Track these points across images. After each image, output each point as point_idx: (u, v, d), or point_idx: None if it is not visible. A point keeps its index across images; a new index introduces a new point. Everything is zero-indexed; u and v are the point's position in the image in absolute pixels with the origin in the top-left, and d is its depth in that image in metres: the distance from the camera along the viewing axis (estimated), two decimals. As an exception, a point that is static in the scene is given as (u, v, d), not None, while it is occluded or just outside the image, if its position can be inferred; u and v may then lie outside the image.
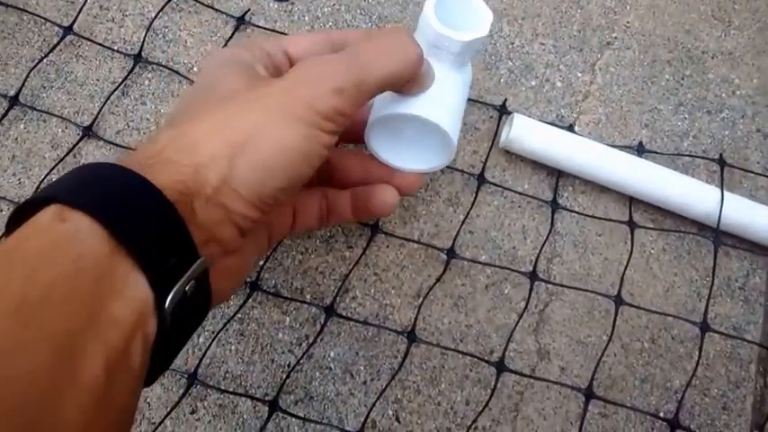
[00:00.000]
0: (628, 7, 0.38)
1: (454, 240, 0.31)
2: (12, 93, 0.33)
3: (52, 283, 0.16)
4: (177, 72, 0.34)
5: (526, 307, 0.30)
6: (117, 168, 0.18)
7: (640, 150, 0.33)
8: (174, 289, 0.17)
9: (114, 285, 0.16)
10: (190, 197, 0.18)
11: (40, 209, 0.17)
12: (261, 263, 0.30)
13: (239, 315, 0.29)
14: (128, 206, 0.17)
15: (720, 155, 0.33)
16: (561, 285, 0.30)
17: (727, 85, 0.36)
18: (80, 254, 0.16)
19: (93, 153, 0.32)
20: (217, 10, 0.35)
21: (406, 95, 0.24)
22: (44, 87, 0.33)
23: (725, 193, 0.31)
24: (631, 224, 0.32)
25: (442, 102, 0.24)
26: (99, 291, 0.16)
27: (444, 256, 0.31)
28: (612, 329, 0.29)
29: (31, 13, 0.35)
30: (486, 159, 0.33)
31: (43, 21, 0.34)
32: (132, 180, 0.18)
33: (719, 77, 0.36)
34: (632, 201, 0.32)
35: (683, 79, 0.36)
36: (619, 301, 0.30)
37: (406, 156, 0.26)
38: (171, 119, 0.22)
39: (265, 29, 0.35)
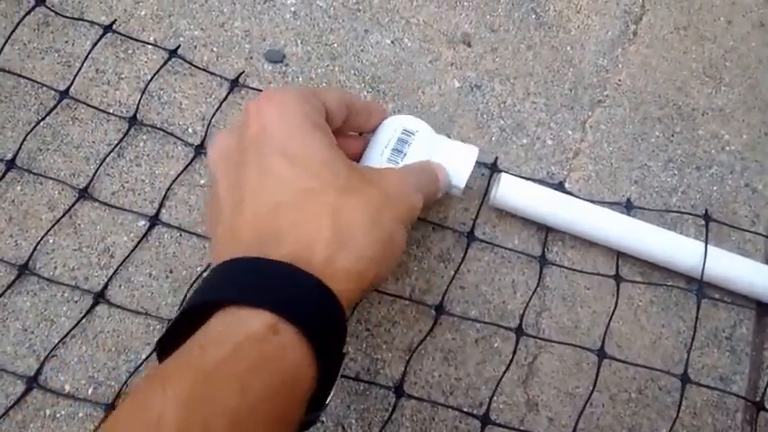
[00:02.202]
0: (620, 65, 0.53)
1: (443, 297, 0.44)
2: (8, 156, 0.47)
3: (261, 398, 0.25)
4: (172, 134, 0.48)
5: (511, 361, 0.42)
6: (293, 269, 0.28)
7: (629, 207, 0.47)
8: (332, 392, 0.30)
9: (304, 395, 0.28)
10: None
11: (219, 305, 0.28)
12: None
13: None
14: (323, 318, 0.28)
15: (706, 210, 0.47)
16: (546, 340, 0.43)
17: (716, 141, 0.50)
18: (284, 368, 0.27)
19: (88, 214, 0.46)
20: (211, 73, 0.50)
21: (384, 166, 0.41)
22: (40, 150, 0.48)
23: (710, 247, 0.44)
24: (617, 278, 0.45)
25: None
26: (296, 401, 0.27)
27: (434, 312, 0.43)
28: (595, 382, 0.42)
29: (27, 78, 0.50)
30: (477, 216, 0.47)
31: (40, 85, 0.49)
32: (316, 287, 0.28)
33: (709, 134, 0.51)
34: (620, 254, 0.46)
35: (672, 136, 0.50)
36: (602, 354, 0.43)
37: None
38: (272, 192, 0.32)
39: (259, 90, 0.50)
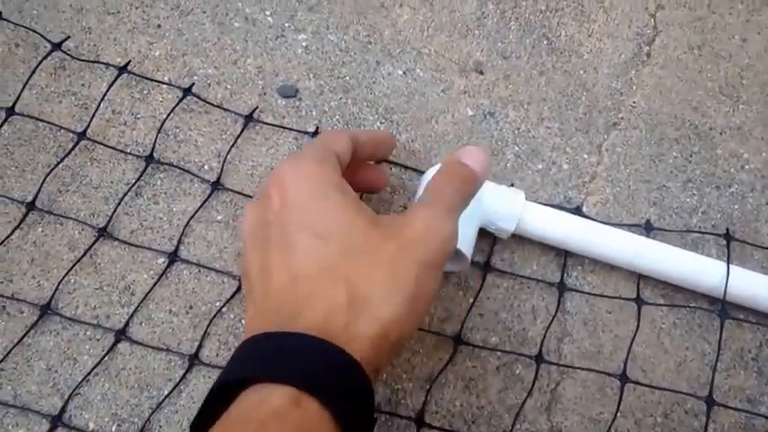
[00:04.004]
0: (634, 87, 0.57)
1: (462, 326, 0.47)
2: (29, 198, 0.52)
3: None
4: (189, 171, 0.53)
5: (532, 389, 0.45)
6: (313, 341, 0.30)
7: (648, 228, 0.50)
8: None
9: None
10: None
11: (248, 383, 0.31)
12: None
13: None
14: (344, 386, 0.30)
15: (727, 230, 0.50)
16: (567, 366, 0.46)
17: (735, 160, 0.54)
18: None
19: (108, 253, 0.50)
20: (225, 109, 0.55)
21: None
22: (60, 191, 0.52)
23: (732, 267, 0.47)
24: (639, 301, 0.48)
25: (467, 233, 0.45)
26: None
27: (453, 343, 0.46)
28: (618, 407, 0.45)
29: (45, 121, 0.54)
30: (494, 244, 0.50)
31: (58, 127, 0.54)
32: (336, 357, 0.30)
33: (728, 152, 0.54)
34: (641, 276, 0.49)
35: (691, 156, 0.54)
36: (624, 379, 0.46)
37: None
38: (294, 262, 0.34)
39: (273, 125, 0.54)
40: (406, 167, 0.53)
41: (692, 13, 0.60)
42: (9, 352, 0.47)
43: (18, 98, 0.54)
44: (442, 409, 0.46)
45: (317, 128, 0.54)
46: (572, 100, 0.56)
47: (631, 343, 0.47)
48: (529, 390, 0.46)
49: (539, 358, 0.47)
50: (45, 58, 0.56)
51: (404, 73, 0.57)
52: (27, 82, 0.55)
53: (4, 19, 0.57)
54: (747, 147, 0.55)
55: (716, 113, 0.56)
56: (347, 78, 0.57)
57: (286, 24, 0.58)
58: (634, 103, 0.56)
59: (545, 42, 0.58)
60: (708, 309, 0.48)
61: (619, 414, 0.45)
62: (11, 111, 0.54)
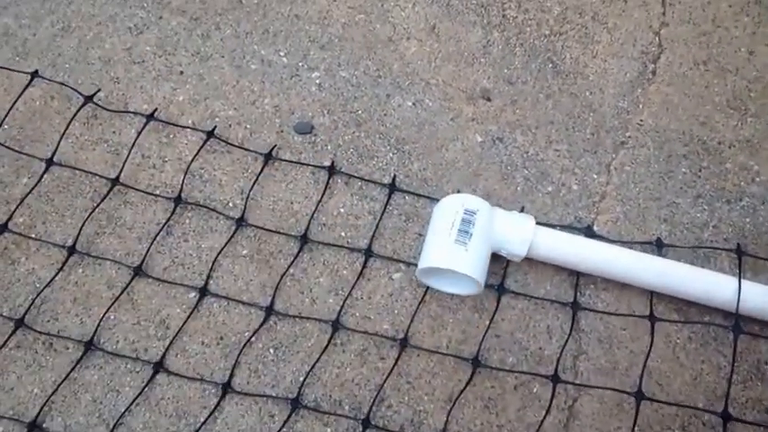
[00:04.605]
0: (641, 106, 0.60)
1: (479, 348, 0.51)
2: (69, 242, 0.57)
3: None
4: (215, 210, 0.58)
5: (549, 407, 0.49)
6: None
7: (659, 245, 0.53)
8: None
9: None
10: None
11: None
12: (301, 379, 0.50)
13: (284, 430, 0.49)
14: None
15: (738, 245, 0.53)
16: (582, 385, 0.49)
17: (746, 173, 0.56)
18: None
19: (144, 290, 0.55)
20: (246, 149, 0.60)
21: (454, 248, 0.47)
22: (97, 234, 0.57)
23: (744, 281, 0.50)
24: (652, 318, 0.51)
25: (479, 258, 0.49)
26: None
27: (471, 366, 0.50)
28: (634, 424, 0.48)
29: (81, 169, 0.60)
30: (507, 266, 0.53)
31: (92, 174, 0.59)
32: None
33: (738, 166, 0.57)
34: (654, 293, 0.51)
35: (700, 171, 0.57)
36: (639, 396, 0.49)
37: (443, 280, 0.51)
38: None
39: (291, 162, 0.59)
40: (419, 195, 0.57)
41: (697, 28, 0.63)
42: (58, 386, 0.52)
43: (56, 149, 0.60)
44: (463, 429, 0.49)
45: (333, 162, 0.59)
46: (579, 121, 0.60)
47: (646, 359, 0.50)
48: (547, 408, 0.49)
49: (555, 378, 0.50)
50: (79, 110, 0.62)
51: (413, 104, 0.61)
52: (63, 134, 0.61)
53: (40, 76, 0.63)
54: (757, 159, 0.57)
55: (724, 127, 0.59)
56: (359, 112, 0.61)
57: (300, 63, 0.63)
58: (641, 121, 0.59)
59: (550, 66, 0.62)
60: (721, 324, 0.51)
61: (636, 428, 0.48)
62: (50, 161, 0.60)
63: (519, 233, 0.51)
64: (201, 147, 0.60)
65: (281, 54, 0.63)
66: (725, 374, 0.50)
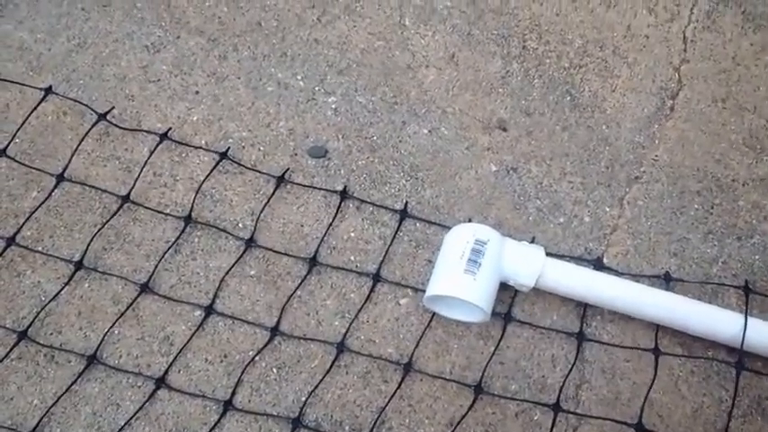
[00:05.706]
0: (656, 141, 0.65)
1: (482, 375, 0.55)
2: (77, 257, 0.63)
3: None
4: (224, 230, 0.64)
5: None
6: None
7: (667, 279, 0.58)
8: None
9: None
10: None
11: None
12: (303, 399, 0.55)
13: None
14: None
15: (746, 281, 0.58)
16: (583, 415, 0.55)
17: (758, 211, 0.62)
18: None
19: (149, 307, 0.61)
20: (259, 171, 0.65)
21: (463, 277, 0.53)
22: (105, 249, 0.63)
23: (750, 318, 0.55)
24: (656, 351, 0.56)
25: (487, 287, 0.55)
26: None
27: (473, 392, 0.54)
28: (637, 450, 0.51)
29: (91, 186, 0.65)
30: (515, 295, 0.58)
31: (103, 191, 0.65)
32: None
33: (750, 204, 0.62)
34: (660, 327, 0.56)
35: (712, 208, 0.62)
36: (640, 428, 0.54)
37: (450, 307, 0.57)
38: None
39: (303, 185, 0.64)
40: (431, 222, 0.63)
41: (717, 65, 0.69)
42: (59, 398, 0.58)
43: (68, 165, 0.66)
44: (462, 454, 0.54)
45: (345, 187, 0.65)
46: (594, 154, 0.65)
47: (648, 391, 0.55)
48: (548, 437, 0.54)
49: (556, 406, 0.55)
50: (92, 128, 0.68)
51: (429, 132, 0.67)
52: (75, 150, 0.67)
53: (54, 93, 0.69)
54: (770, 197, 0.62)
55: (738, 165, 0.64)
56: (374, 138, 0.67)
57: (316, 88, 0.70)
58: (656, 156, 0.65)
59: (568, 98, 0.67)
60: (725, 360, 0.57)
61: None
62: (60, 177, 0.67)
63: (528, 265, 0.57)
64: (214, 168, 0.67)
65: (299, 78, 0.69)
66: (725, 408, 0.56)
